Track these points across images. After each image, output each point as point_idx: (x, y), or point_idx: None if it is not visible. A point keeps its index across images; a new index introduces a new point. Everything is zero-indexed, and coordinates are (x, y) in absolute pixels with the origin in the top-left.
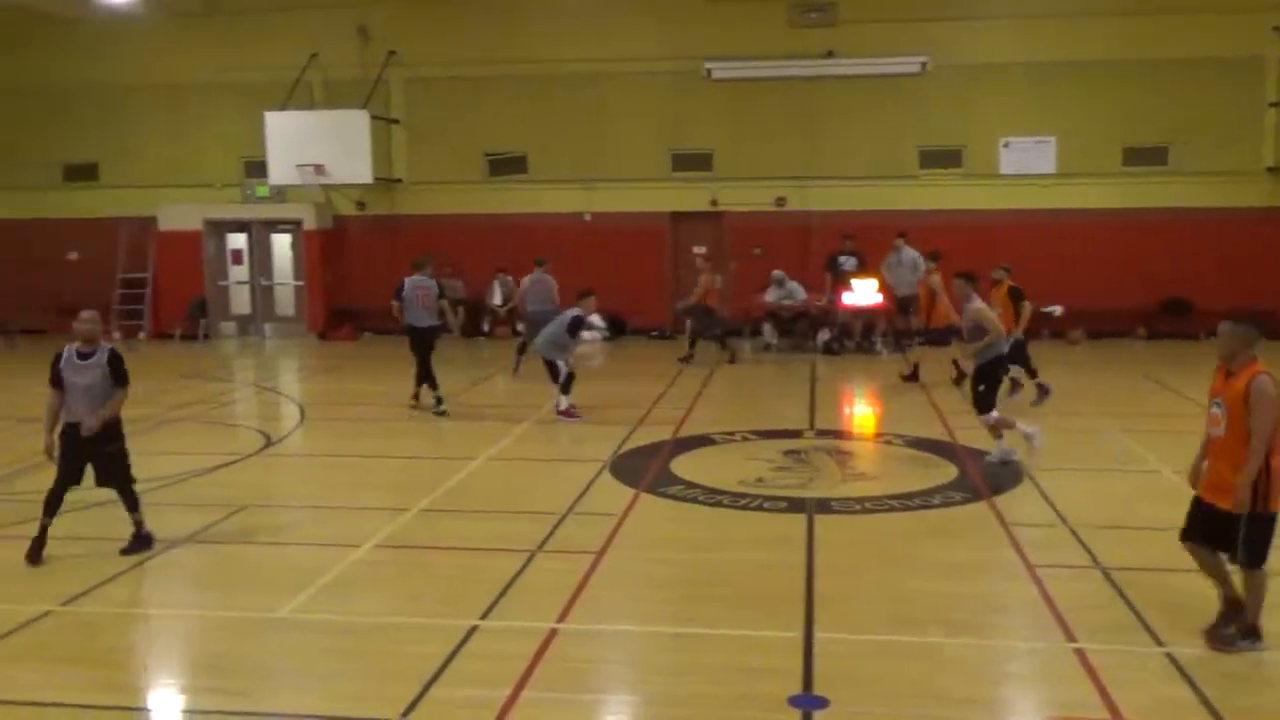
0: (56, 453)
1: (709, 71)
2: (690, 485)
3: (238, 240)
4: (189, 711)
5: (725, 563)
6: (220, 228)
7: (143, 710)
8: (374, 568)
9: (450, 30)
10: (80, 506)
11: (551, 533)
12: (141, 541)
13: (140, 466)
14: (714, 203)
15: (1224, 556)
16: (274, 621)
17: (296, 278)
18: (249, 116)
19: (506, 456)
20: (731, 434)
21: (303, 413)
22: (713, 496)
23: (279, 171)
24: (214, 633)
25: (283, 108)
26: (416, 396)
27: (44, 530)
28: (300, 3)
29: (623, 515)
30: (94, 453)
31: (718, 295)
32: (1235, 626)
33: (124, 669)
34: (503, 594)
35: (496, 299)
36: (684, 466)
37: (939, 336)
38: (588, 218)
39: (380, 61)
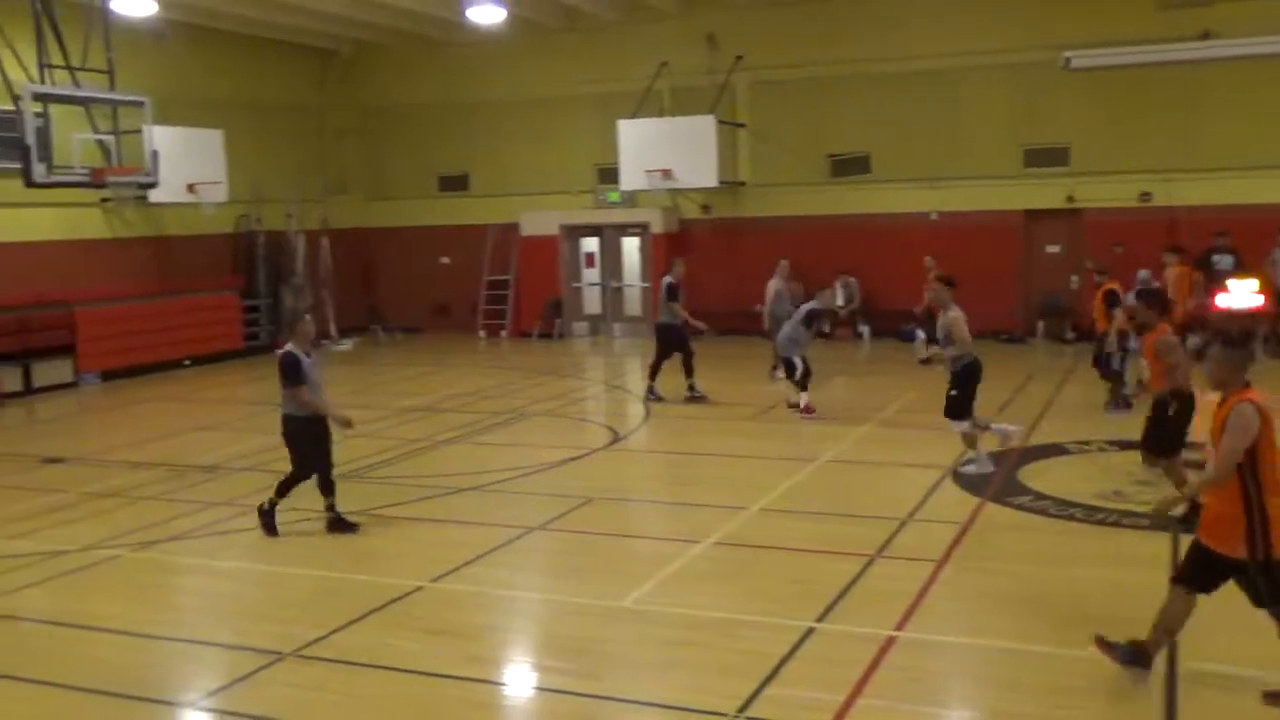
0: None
1: (1067, 61)
2: (1039, 496)
3: (590, 244)
4: (542, 689)
5: (1076, 580)
6: (575, 232)
7: (502, 685)
8: (713, 564)
9: (796, 33)
10: (448, 492)
11: (891, 538)
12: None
13: (501, 457)
14: (1070, 199)
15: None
16: (618, 610)
17: (644, 279)
18: (602, 125)
19: (846, 459)
20: (1086, 444)
21: (647, 410)
22: (1064, 509)
23: (629, 177)
24: (564, 617)
25: (634, 116)
26: (691, 387)
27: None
28: (652, 15)
29: (966, 524)
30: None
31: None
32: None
33: (486, 643)
34: (840, 597)
35: (839, 300)
36: (1033, 476)
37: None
38: (934, 217)
39: (727, 67)
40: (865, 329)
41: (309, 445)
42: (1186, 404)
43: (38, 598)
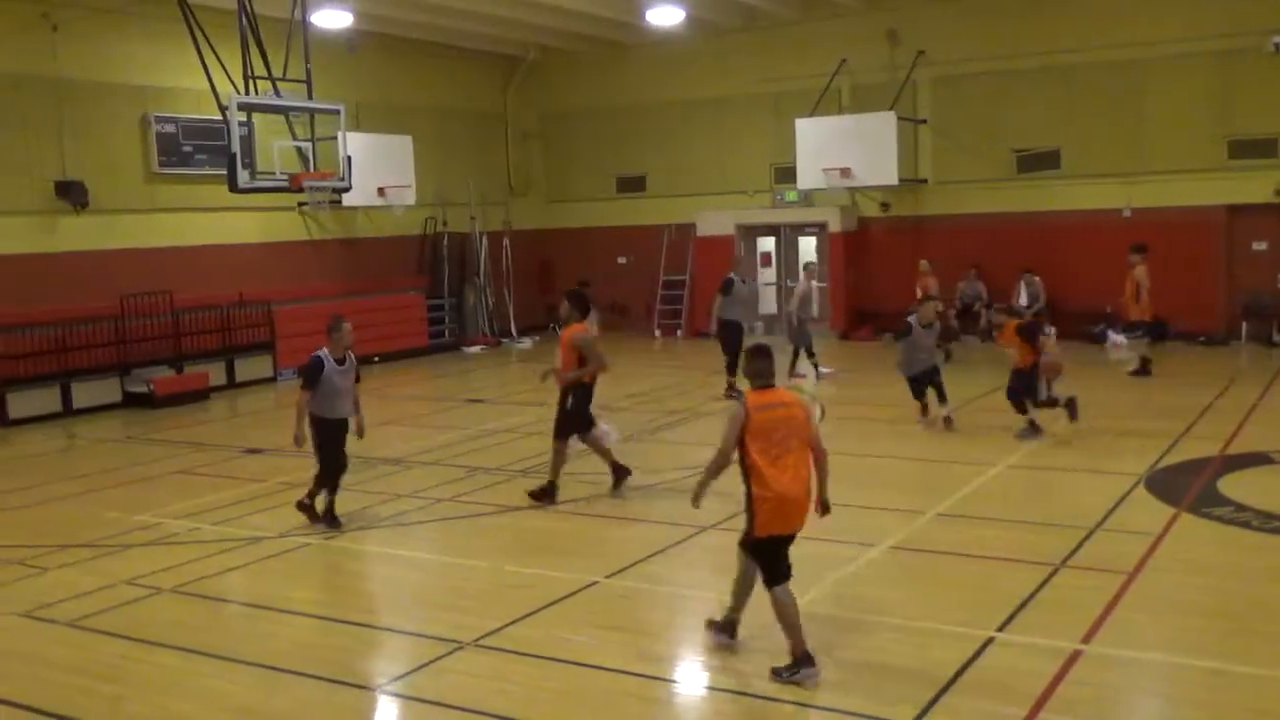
0: (311, 444)
1: (1278, 46)
2: (1241, 508)
3: (767, 243)
4: (714, 689)
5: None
6: (751, 232)
7: (675, 682)
8: (889, 568)
9: (979, 26)
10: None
11: (1078, 547)
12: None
13: (675, 456)
14: (1279, 193)
15: None
16: None
17: (820, 279)
18: (779, 125)
19: (1029, 464)
20: None
21: (822, 411)
22: (1268, 522)
23: (807, 176)
24: None
25: (812, 114)
26: (731, 385)
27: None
28: (832, 12)
29: (1160, 535)
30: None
31: None
32: None
33: (659, 640)
34: (1022, 607)
35: (1022, 300)
36: (1234, 486)
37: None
38: (1127, 213)
39: (908, 63)
40: (1051, 330)
41: (330, 445)
42: None
43: (238, 580)
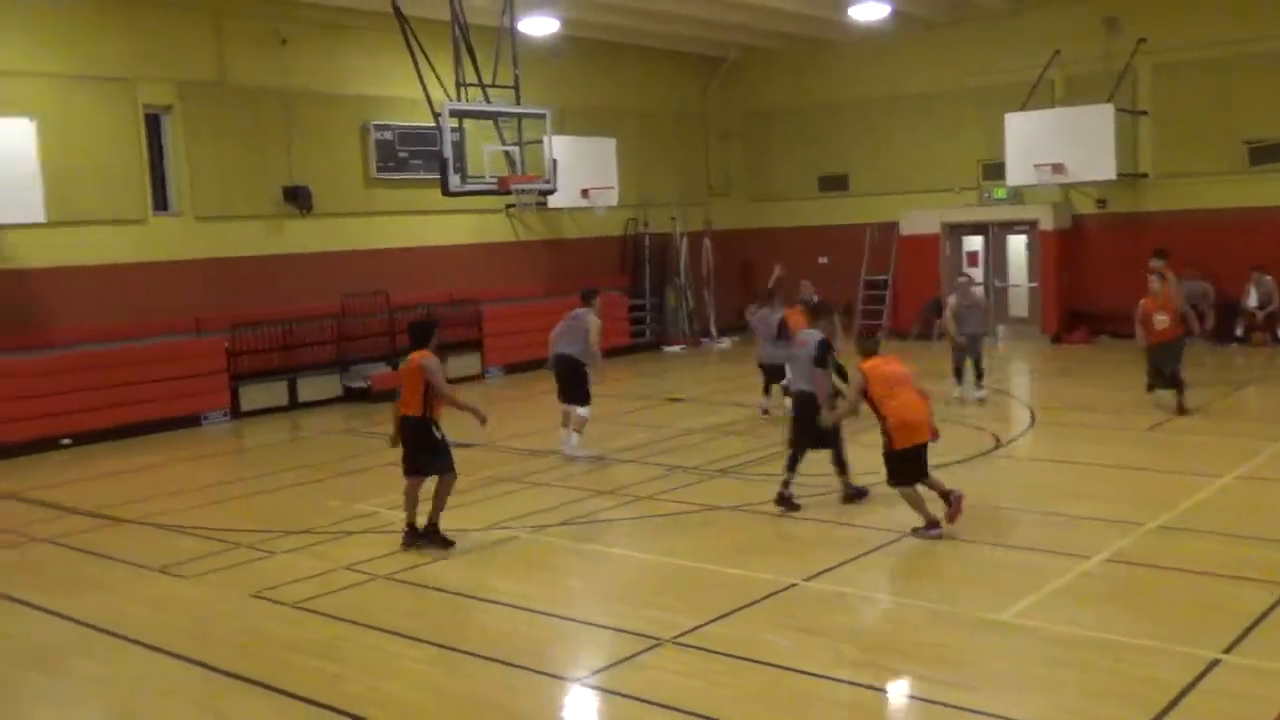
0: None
1: None
2: None
3: (973, 242)
4: (914, 697)
5: None
6: (957, 230)
7: (873, 688)
8: (1103, 582)
9: (1206, 10)
10: (824, 492)
11: None
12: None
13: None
14: None
15: None
16: (996, 623)
17: (1031, 279)
18: (987, 120)
19: (1261, 476)
20: None
21: (1033, 416)
22: None
23: (1017, 173)
24: (938, 625)
25: (1022, 108)
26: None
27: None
28: (1044, 1)
29: None
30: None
31: None
32: None
33: (857, 645)
34: (1252, 628)
35: (1252, 300)
36: None
37: None
38: None
39: (1127, 51)
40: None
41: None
42: None
43: (445, 570)
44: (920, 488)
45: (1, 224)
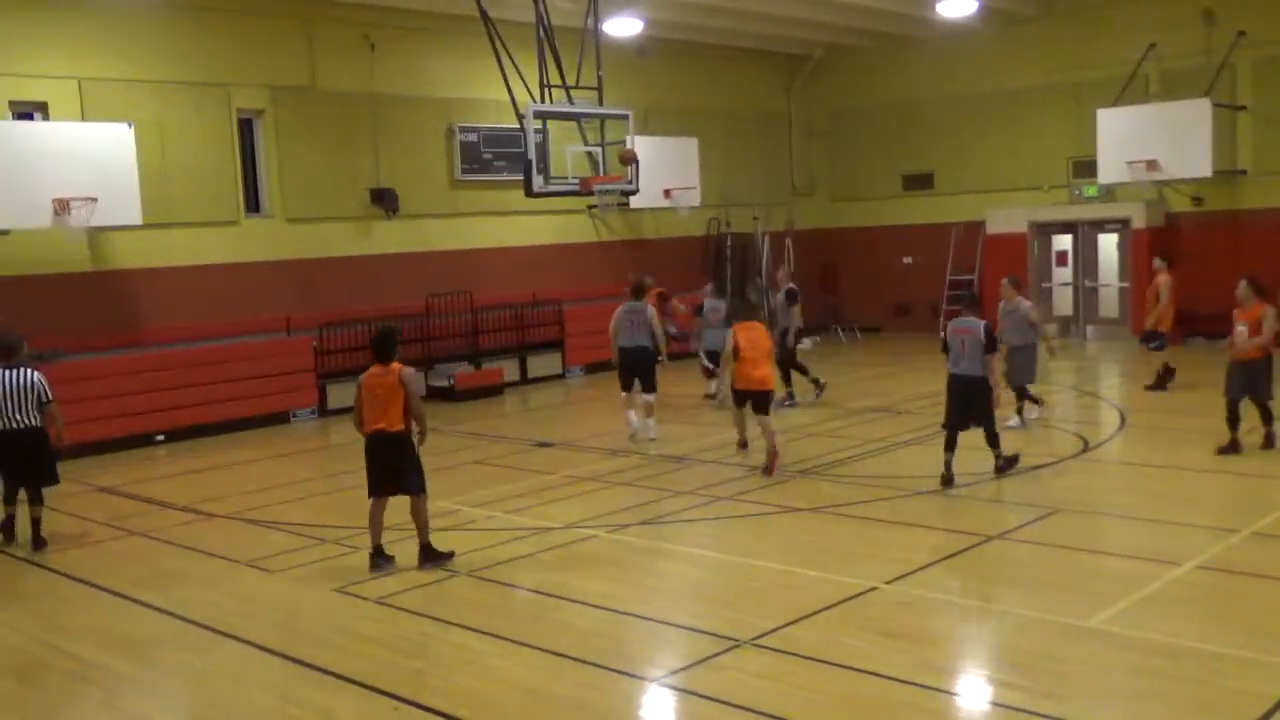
0: None
1: None
2: None
3: (1062, 241)
4: (997, 704)
5: None
6: (1045, 229)
7: (955, 694)
8: (1195, 589)
9: None
10: (907, 494)
11: None
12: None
13: (961, 462)
14: None
15: None
16: (1082, 630)
17: (1121, 279)
18: (1077, 116)
19: None
20: None
21: (1123, 419)
22: None
23: (1109, 170)
24: (1022, 631)
25: (1115, 104)
26: (816, 382)
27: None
28: None
29: None
30: None
31: None
32: None
33: (939, 650)
34: None
35: None
36: None
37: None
38: None
39: (1226, 45)
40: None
41: None
42: None
43: (527, 568)
44: None
45: (101, 226)
